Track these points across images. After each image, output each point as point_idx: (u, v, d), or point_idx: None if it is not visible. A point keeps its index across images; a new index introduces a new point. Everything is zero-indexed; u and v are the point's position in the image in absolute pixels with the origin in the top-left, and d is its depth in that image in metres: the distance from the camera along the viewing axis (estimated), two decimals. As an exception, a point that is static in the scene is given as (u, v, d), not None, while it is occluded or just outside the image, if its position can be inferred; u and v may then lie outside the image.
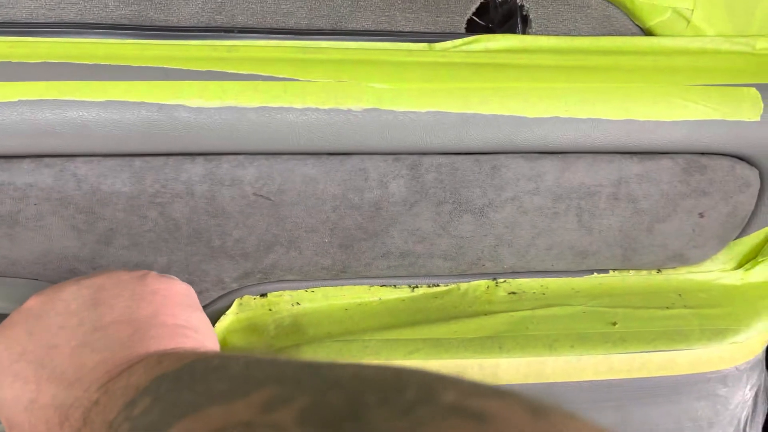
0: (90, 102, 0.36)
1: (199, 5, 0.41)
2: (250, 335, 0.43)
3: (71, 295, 0.33)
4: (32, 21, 0.40)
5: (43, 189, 0.38)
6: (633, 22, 0.44)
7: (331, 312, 0.44)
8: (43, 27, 0.39)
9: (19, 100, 0.36)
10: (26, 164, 0.38)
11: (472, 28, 0.43)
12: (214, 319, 0.43)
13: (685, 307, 0.46)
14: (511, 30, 0.44)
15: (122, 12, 0.40)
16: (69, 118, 0.36)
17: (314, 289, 0.44)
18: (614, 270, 0.48)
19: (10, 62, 0.37)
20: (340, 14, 0.42)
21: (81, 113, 0.36)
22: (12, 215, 0.38)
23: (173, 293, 0.34)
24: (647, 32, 0.44)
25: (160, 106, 0.37)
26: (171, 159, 0.39)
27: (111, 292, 0.33)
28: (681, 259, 0.48)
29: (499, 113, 0.40)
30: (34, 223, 0.38)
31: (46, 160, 0.38)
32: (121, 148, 0.38)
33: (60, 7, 0.40)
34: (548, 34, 0.43)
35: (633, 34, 0.44)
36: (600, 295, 0.47)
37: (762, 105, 0.42)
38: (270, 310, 0.44)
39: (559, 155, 0.42)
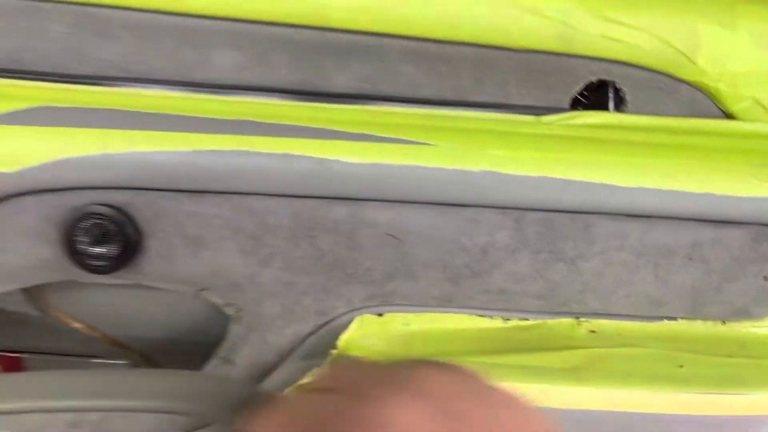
0: (267, 153, 0.46)
1: (352, 75, 0.50)
2: (365, 347, 0.52)
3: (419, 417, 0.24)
4: (220, 82, 0.50)
5: (223, 219, 0.48)
6: (717, 106, 0.51)
7: (435, 334, 0.52)
8: (229, 88, 0.49)
9: (210, 150, 0.46)
10: (212, 198, 0.47)
11: (575, 104, 0.51)
12: (339, 331, 0.52)
13: (746, 357, 0.53)
14: (607, 107, 0.51)
15: (292, 78, 0.50)
16: (249, 165, 0.46)
17: (423, 314, 0.53)
18: (683, 319, 0.55)
19: (204, 117, 0.47)
20: (464, 88, 0.50)
21: (259, 161, 0.46)
22: (198, 238, 0.48)
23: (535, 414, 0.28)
24: (729, 116, 0.51)
25: (322, 160, 0.46)
26: (324, 201, 0.48)
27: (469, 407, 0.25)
28: (745, 314, 0.54)
29: (594, 181, 0.47)
30: (213, 245, 0.48)
31: (228, 195, 0.48)
32: (287, 190, 0.47)
33: (243, 71, 0.50)
34: (641, 114, 0.51)
35: (716, 117, 0.51)
36: (669, 339, 0.53)
37: None
38: (384, 327, 0.53)
39: (644, 218, 0.49)
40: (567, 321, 0.53)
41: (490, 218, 0.48)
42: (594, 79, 0.50)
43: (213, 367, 0.54)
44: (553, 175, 0.47)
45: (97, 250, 0.47)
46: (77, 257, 0.47)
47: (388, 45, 0.49)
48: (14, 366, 0.66)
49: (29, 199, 0.47)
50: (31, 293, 0.56)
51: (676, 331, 0.54)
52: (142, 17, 0.48)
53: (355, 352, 0.52)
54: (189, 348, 0.62)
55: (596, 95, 0.51)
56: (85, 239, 0.47)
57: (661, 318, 0.54)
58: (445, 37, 0.49)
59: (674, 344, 0.53)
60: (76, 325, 0.59)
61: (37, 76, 0.48)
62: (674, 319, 0.55)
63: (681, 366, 0.51)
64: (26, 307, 0.57)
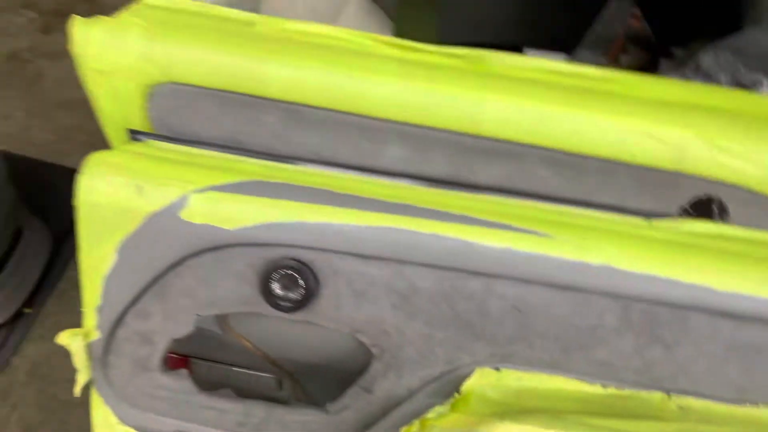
0: (421, 233, 0.58)
1: (494, 173, 0.61)
2: (483, 395, 0.63)
3: None
4: (388, 169, 0.62)
5: (383, 279, 0.60)
6: (813, 226, 0.58)
7: (543, 392, 0.62)
8: (395, 175, 0.62)
9: (378, 226, 0.58)
10: (376, 263, 0.60)
11: (683, 212, 0.60)
12: (461, 379, 0.63)
13: (821, 448, 0.59)
14: (712, 218, 0.60)
15: (446, 171, 0.62)
16: (407, 240, 0.58)
17: (533, 374, 0.63)
18: (764, 405, 0.62)
19: (375, 199, 0.59)
20: (587, 191, 0.61)
21: (414, 238, 0.58)
22: (361, 292, 0.61)
23: None
24: (823, 236, 0.58)
25: (464, 242, 0.58)
26: (463, 273, 0.59)
27: None
28: (824, 410, 0.60)
29: (695, 282, 0.56)
30: (372, 299, 0.61)
31: (388, 262, 0.60)
32: (434, 262, 0.59)
33: (407, 162, 0.62)
34: (742, 227, 0.59)
35: (811, 236, 0.58)
36: (751, 422, 0.60)
37: None
38: (499, 380, 0.63)
39: (736, 318, 0.57)
40: (658, 395, 0.61)
41: (601, 303, 0.58)
42: (702, 194, 0.59)
43: (353, 393, 0.66)
44: (660, 274, 0.56)
45: (285, 293, 0.61)
46: (269, 297, 0.61)
47: (527, 151, 0.60)
48: (183, 364, 0.81)
49: (240, 249, 0.61)
50: (219, 316, 0.71)
51: (757, 416, 0.61)
52: (334, 115, 0.62)
53: (473, 399, 0.63)
54: (330, 373, 0.75)
55: (702, 207, 0.60)
56: (277, 284, 0.60)
57: (744, 402, 0.62)
58: (575, 150, 0.59)
59: (754, 428, 0.60)
60: (246, 343, 0.73)
61: (251, 154, 0.63)
62: (756, 404, 0.62)
63: (759, 448, 0.58)
64: (212, 325, 0.72)
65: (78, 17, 0.63)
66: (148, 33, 0.62)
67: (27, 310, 1.18)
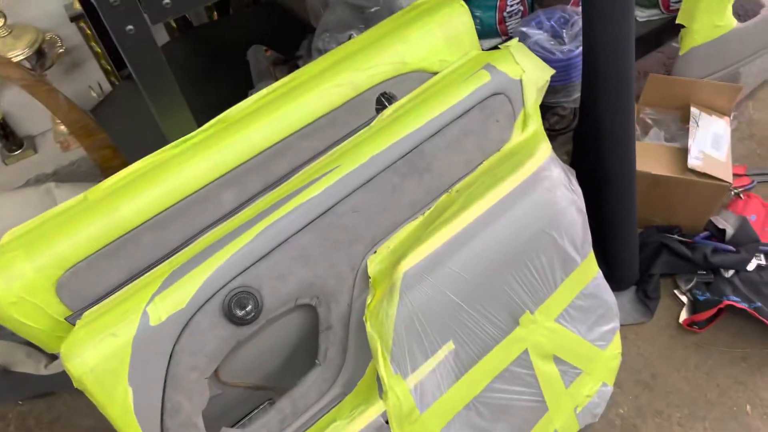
0: (283, 217, 0.90)
1: (285, 165, 0.96)
2: (379, 270, 0.98)
3: None
4: (229, 211, 0.93)
5: (285, 260, 0.91)
6: None
7: (401, 240, 1.00)
8: (237, 209, 0.93)
9: (252, 239, 0.89)
10: (272, 254, 0.90)
11: (378, 112, 1.03)
12: (365, 272, 0.97)
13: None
14: (390, 102, 1.03)
15: (262, 184, 0.95)
16: (280, 224, 0.90)
17: (390, 238, 1.00)
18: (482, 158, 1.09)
19: (240, 225, 0.90)
20: (331, 136, 0.99)
21: (281, 222, 0.90)
22: (280, 276, 0.90)
23: None
24: None
25: (308, 200, 0.92)
26: (318, 218, 0.93)
27: None
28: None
29: (408, 133, 0.99)
30: (289, 274, 0.91)
31: (278, 248, 0.91)
32: (301, 224, 0.92)
33: (238, 196, 0.93)
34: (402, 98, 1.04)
35: None
36: (483, 171, 1.07)
37: None
38: (379, 255, 0.99)
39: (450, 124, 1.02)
40: (445, 196, 1.03)
41: (388, 176, 0.98)
42: (380, 94, 1.03)
43: (323, 338, 0.96)
44: (392, 141, 0.98)
45: (242, 311, 0.87)
46: (234, 320, 0.87)
47: (291, 142, 0.97)
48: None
49: (200, 312, 0.86)
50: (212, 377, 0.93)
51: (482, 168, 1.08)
52: (179, 206, 0.90)
53: (377, 276, 0.97)
54: (291, 368, 1.01)
55: (384, 100, 1.03)
56: (236, 307, 0.87)
57: (474, 167, 1.08)
58: (313, 119, 0.98)
59: (486, 175, 1.07)
60: (239, 385, 0.97)
61: (148, 269, 0.88)
62: (480, 163, 1.09)
63: None
64: (214, 390, 0.94)
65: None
66: (27, 254, 0.82)
67: None
